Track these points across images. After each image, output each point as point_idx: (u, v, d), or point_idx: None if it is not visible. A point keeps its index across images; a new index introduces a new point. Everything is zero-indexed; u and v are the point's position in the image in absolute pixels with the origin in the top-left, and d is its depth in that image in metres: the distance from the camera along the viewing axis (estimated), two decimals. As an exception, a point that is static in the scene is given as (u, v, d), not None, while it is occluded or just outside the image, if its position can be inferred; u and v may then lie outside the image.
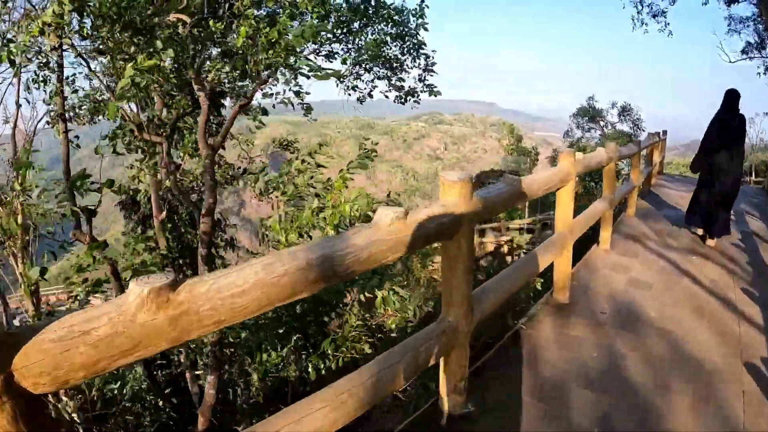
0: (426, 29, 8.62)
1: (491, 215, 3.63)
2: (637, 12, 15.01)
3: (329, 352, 4.71)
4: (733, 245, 6.28)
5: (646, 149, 9.89)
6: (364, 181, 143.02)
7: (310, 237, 4.59)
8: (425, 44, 8.84)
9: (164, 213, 9.20)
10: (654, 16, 14.98)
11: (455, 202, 2.22)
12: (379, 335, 5.55)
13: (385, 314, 5.38)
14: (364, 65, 9.85)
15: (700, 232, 6.41)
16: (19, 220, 5.16)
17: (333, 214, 4.27)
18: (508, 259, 14.99)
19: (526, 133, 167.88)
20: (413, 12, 8.61)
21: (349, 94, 10.82)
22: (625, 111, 27.26)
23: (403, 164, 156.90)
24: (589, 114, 27.99)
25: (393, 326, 5.43)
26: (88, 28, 4.88)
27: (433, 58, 9.41)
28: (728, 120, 5.86)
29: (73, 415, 4.64)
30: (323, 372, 4.57)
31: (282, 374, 5.02)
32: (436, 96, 10.00)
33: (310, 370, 4.65)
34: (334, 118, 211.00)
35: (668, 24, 15.04)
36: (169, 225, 9.97)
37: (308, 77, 4.62)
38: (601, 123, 28.26)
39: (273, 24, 4.70)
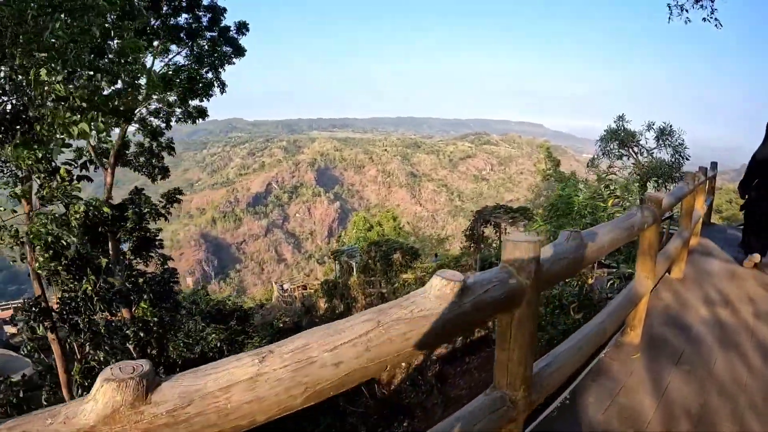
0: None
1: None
2: None
3: None
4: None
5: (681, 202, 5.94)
6: (408, 200, 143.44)
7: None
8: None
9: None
10: (697, 0, 11.39)
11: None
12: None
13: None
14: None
15: (757, 258, 6.47)
16: None
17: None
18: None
19: (574, 155, 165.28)
20: None
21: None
22: (663, 134, 22.80)
23: (449, 184, 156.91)
24: (620, 137, 23.70)
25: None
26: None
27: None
28: None
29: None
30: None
31: None
32: (196, 121, 10.46)
33: None
34: (382, 136, 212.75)
35: (715, 10, 11.34)
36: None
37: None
38: (635, 149, 23.91)
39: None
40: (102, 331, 9.62)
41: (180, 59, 14.22)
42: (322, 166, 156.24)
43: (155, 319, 10.96)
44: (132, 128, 14.18)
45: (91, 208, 10.51)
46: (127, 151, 14.32)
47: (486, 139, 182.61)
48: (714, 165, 8.99)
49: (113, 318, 10.60)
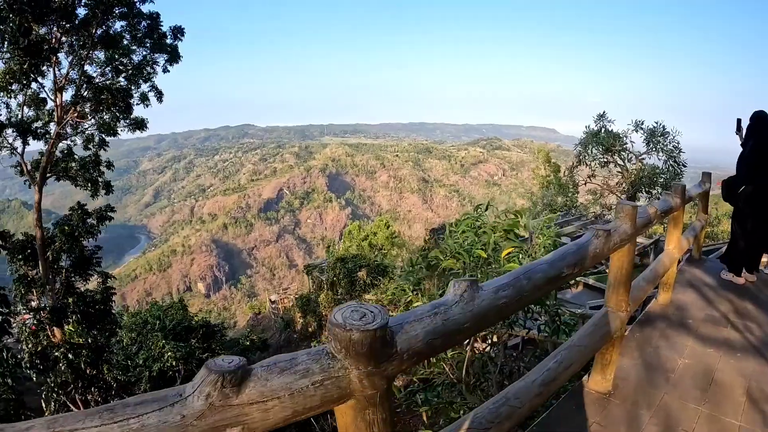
0: None
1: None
2: None
3: None
4: None
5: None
6: (420, 205, 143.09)
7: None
8: None
9: None
10: None
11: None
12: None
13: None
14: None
15: (741, 281, 5.53)
16: None
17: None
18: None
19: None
20: None
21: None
22: (654, 136, 19.45)
23: (461, 189, 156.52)
24: (601, 140, 20.42)
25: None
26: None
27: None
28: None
29: None
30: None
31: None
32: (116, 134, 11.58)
33: None
34: (393, 141, 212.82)
35: None
36: None
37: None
38: (622, 155, 20.65)
39: None
40: None
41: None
42: (333, 172, 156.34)
43: (87, 340, 10.60)
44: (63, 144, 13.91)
45: None
46: (66, 165, 13.88)
47: (498, 144, 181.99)
48: (707, 176, 6.43)
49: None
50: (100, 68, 13.45)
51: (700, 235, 6.60)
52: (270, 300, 38.59)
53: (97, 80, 13.21)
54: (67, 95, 13.06)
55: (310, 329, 21.28)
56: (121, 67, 13.40)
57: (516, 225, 4.72)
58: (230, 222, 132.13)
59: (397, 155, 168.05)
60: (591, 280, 13.72)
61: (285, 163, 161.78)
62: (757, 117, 5.25)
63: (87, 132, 14.04)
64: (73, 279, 12.68)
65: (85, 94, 12.97)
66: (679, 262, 5.83)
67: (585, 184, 22.32)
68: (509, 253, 4.42)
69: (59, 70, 12.62)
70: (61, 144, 13.56)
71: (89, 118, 13.53)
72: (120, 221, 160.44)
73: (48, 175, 13.04)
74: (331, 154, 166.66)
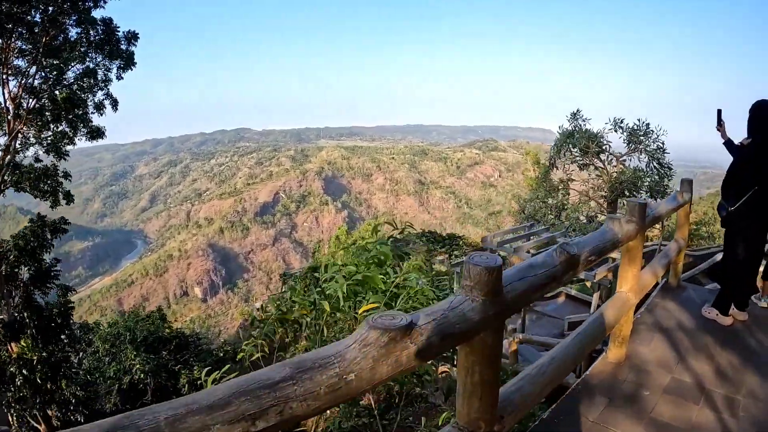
0: None
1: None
2: None
3: None
4: None
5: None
6: (416, 207, 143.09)
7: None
8: None
9: None
10: None
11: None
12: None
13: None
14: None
15: (728, 321, 4.36)
16: None
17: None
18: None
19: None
20: None
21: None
22: (636, 135, 17.63)
23: (457, 191, 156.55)
24: (575, 141, 18.49)
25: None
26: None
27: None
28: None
29: None
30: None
31: None
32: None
33: None
34: (389, 144, 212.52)
35: None
36: None
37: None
38: (602, 157, 18.57)
39: None
40: None
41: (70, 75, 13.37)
42: (329, 175, 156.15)
43: (42, 355, 10.48)
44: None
45: None
46: (20, 177, 13.49)
47: (494, 146, 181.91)
48: (688, 184, 5.21)
49: None
50: (47, 78, 13.09)
51: (678, 258, 5.28)
52: (256, 308, 38.50)
53: (45, 90, 12.85)
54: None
55: (286, 339, 21.19)
56: (69, 75, 13.10)
57: (374, 279, 3.55)
58: (226, 226, 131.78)
59: (393, 157, 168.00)
60: (573, 291, 13.12)
61: (281, 167, 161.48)
62: (758, 107, 4.14)
63: (46, 142, 13.66)
64: (33, 293, 12.50)
65: (29, 105, 12.61)
66: (653, 289, 4.83)
67: (561, 188, 20.66)
68: (369, 310, 3.17)
69: (11, 79, 12.36)
70: (23, 154, 13.29)
71: (49, 128, 13.28)
72: (116, 226, 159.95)
73: (5, 187, 12.84)
74: (327, 157, 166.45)
